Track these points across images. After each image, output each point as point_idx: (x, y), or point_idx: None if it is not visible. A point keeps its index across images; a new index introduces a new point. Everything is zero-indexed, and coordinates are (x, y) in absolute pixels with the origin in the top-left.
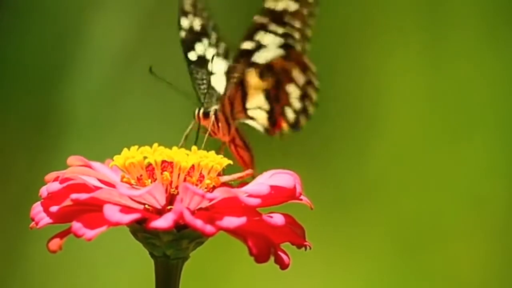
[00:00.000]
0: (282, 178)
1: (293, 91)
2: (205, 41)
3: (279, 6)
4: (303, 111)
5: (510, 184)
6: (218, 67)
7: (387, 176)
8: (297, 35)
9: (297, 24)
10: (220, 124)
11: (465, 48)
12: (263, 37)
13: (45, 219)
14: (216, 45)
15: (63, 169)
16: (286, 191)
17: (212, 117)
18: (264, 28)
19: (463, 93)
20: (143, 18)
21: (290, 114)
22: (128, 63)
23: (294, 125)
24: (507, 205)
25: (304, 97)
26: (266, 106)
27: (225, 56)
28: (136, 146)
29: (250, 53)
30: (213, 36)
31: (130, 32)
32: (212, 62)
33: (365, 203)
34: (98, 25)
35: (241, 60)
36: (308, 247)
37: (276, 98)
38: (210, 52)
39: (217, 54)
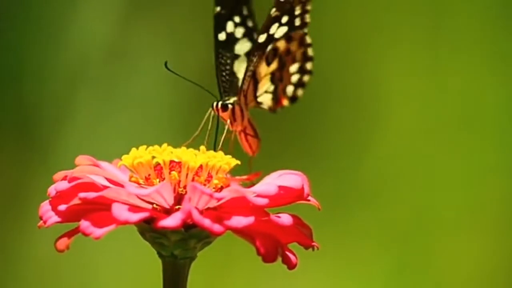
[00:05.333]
0: (290, 178)
1: (293, 68)
2: (236, 18)
3: None
4: (299, 83)
5: (509, 184)
6: (243, 49)
7: (386, 175)
8: (297, 22)
9: (298, 11)
10: (236, 116)
11: (465, 47)
12: (276, 30)
13: (53, 218)
14: (244, 24)
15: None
16: (294, 191)
17: (230, 111)
18: (277, 20)
19: (462, 92)
20: (126, 10)
21: (290, 89)
22: (113, 59)
23: (292, 98)
24: (506, 206)
25: (301, 70)
26: (271, 88)
27: (249, 36)
28: (144, 146)
29: (263, 45)
30: (244, 11)
31: (113, 25)
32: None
33: (364, 202)
34: (80, 20)
35: (256, 53)
36: (315, 248)
37: (280, 79)
38: (239, 32)
39: (244, 34)
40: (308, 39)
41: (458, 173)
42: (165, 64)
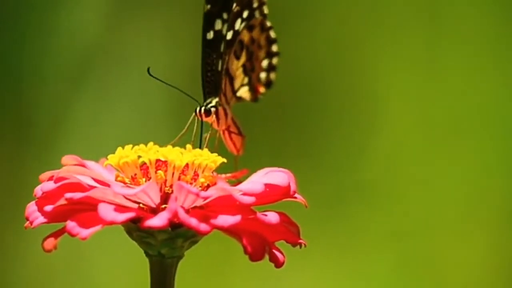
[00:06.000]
0: (276, 176)
1: (261, 55)
2: (224, 15)
3: None
4: (270, 67)
5: (507, 184)
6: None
7: (384, 175)
8: (257, 14)
9: (255, 4)
10: (220, 117)
11: (463, 47)
12: (240, 26)
13: (40, 219)
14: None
15: (50, 169)
16: (281, 189)
17: (213, 115)
18: (240, 15)
19: (461, 90)
20: (118, 10)
21: (263, 75)
22: (107, 58)
23: (267, 84)
24: (506, 206)
25: (268, 54)
26: (246, 80)
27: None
28: (130, 145)
29: (232, 42)
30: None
31: (105, 25)
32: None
33: (361, 201)
34: (73, 20)
35: (227, 51)
36: (303, 245)
37: (251, 69)
38: (225, 29)
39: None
40: (268, 23)
41: (458, 172)
42: (148, 70)
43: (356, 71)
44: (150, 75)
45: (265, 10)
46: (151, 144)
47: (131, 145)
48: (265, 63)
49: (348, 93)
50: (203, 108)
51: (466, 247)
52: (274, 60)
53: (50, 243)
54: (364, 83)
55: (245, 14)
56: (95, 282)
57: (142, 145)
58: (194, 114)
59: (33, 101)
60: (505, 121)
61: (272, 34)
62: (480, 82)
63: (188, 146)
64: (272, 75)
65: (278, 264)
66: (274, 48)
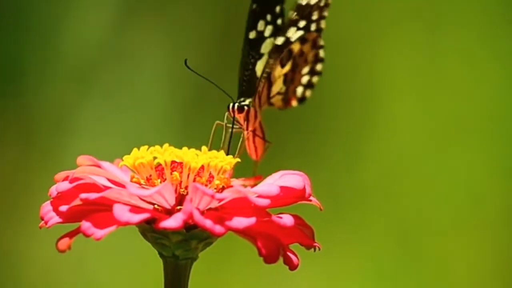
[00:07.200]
0: (291, 179)
1: (305, 70)
2: (268, 16)
3: (305, 0)
4: (309, 84)
5: (506, 185)
6: (268, 48)
7: (383, 177)
8: (313, 27)
9: (315, 16)
10: (250, 118)
11: (462, 48)
12: (293, 34)
13: (55, 219)
14: (274, 23)
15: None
16: (296, 192)
17: (245, 113)
18: (295, 24)
19: (459, 93)
20: (124, 11)
21: (299, 90)
22: (113, 60)
23: (301, 99)
24: (503, 206)
25: (311, 71)
26: (283, 89)
27: (275, 35)
28: (146, 146)
29: (281, 48)
30: (277, 9)
31: (111, 27)
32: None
33: (360, 204)
34: (79, 22)
35: (273, 56)
36: (317, 248)
37: (291, 80)
38: (268, 30)
39: (271, 33)
40: (321, 41)
41: (455, 175)
42: (185, 62)
43: (355, 71)
44: (188, 67)
45: (323, 24)
46: (166, 145)
47: (146, 146)
48: (305, 79)
49: (347, 93)
50: (236, 104)
51: (467, 247)
52: (315, 79)
53: (64, 243)
54: (364, 83)
55: (302, 24)
56: (108, 283)
57: (157, 146)
58: (214, 127)
59: (41, 101)
60: (506, 121)
61: (322, 53)
62: (481, 83)
63: (204, 148)
64: (308, 92)
65: (292, 266)
66: (319, 67)
